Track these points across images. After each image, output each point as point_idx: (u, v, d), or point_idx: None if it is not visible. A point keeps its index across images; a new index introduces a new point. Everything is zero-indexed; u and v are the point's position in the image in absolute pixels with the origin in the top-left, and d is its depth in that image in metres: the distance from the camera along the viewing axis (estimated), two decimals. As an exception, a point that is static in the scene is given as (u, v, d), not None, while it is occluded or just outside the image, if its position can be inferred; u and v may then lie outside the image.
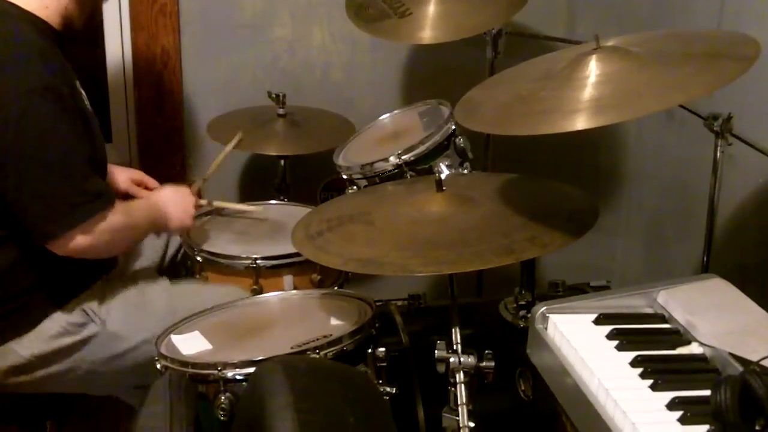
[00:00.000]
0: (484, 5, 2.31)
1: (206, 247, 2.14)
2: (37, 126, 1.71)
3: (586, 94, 1.49)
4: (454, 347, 1.61)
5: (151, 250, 2.25)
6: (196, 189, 2.24)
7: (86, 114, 1.87)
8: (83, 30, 1.93)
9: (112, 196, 1.85)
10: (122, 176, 2.25)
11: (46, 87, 1.72)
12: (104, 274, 2.01)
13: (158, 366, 1.70)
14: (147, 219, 1.99)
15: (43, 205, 1.75)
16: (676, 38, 1.72)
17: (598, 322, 1.47)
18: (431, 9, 2.27)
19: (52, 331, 1.88)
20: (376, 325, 1.77)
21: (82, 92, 1.90)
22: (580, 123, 1.42)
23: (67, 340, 1.89)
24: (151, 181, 2.29)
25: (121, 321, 1.93)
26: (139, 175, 2.30)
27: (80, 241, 1.78)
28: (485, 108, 1.70)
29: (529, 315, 1.58)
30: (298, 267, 2.08)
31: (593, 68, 1.53)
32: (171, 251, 2.32)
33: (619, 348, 1.40)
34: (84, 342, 1.91)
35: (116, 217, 1.84)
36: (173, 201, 2.08)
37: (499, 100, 1.68)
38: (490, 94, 1.75)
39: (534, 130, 1.49)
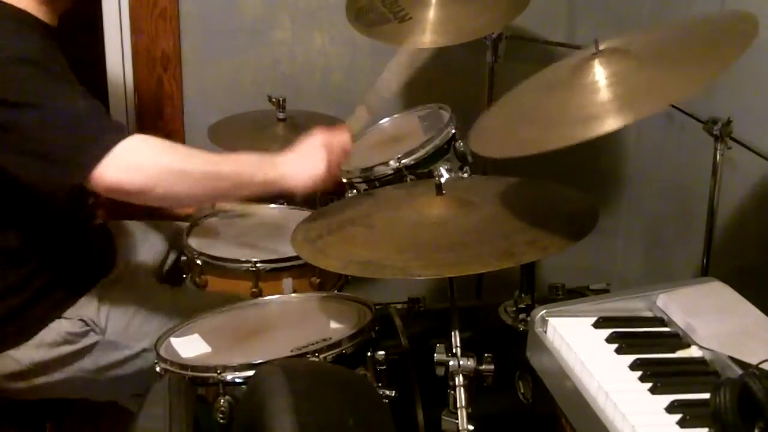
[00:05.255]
0: (483, 9, 2.31)
1: (206, 250, 2.13)
2: (23, 89, 1.63)
3: (606, 96, 1.48)
4: (454, 350, 1.61)
5: (150, 254, 2.25)
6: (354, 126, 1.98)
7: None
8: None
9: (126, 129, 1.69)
10: None
11: (21, 57, 1.65)
12: (102, 277, 2.00)
13: (157, 369, 1.70)
14: (236, 175, 1.75)
15: (61, 148, 1.62)
16: (671, 29, 1.72)
17: (597, 325, 1.48)
18: (431, 13, 2.27)
19: (51, 339, 1.87)
20: (376, 328, 1.77)
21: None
22: (605, 126, 1.41)
23: (67, 349, 1.89)
24: None
25: (121, 329, 1.93)
26: None
27: (113, 174, 1.61)
28: (502, 133, 1.68)
29: (528, 318, 1.58)
30: (297, 270, 2.07)
31: (601, 71, 1.52)
32: (173, 257, 2.31)
33: (618, 351, 1.40)
34: (84, 351, 1.90)
35: (155, 145, 1.69)
36: (296, 154, 1.83)
37: (514, 122, 1.67)
38: (501, 118, 1.74)
39: (565, 141, 1.44)
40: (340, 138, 1.89)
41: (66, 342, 1.88)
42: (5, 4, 1.76)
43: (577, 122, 1.47)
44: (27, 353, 1.87)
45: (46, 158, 1.63)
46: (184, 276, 2.20)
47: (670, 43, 1.62)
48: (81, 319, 1.90)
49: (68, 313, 1.90)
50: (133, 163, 1.64)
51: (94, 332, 1.91)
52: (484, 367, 1.61)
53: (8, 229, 1.78)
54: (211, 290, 2.11)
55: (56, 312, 1.89)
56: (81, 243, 1.95)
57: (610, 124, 1.41)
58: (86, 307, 1.92)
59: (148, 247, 2.26)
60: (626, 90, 1.48)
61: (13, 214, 1.80)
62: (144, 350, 1.91)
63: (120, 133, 1.64)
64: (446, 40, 2.26)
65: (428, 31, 2.26)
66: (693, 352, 1.41)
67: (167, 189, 1.67)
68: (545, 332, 1.49)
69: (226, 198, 1.91)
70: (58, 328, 1.88)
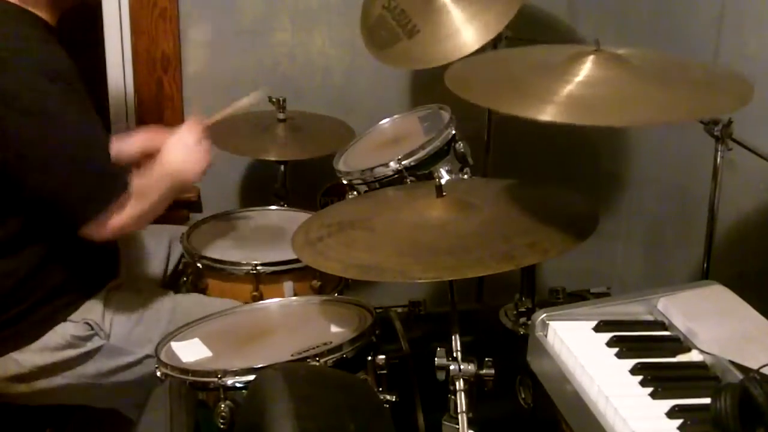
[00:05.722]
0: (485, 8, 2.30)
1: (206, 253, 2.13)
2: (52, 109, 1.71)
3: (566, 90, 1.50)
4: (454, 354, 1.61)
5: (153, 259, 2.25)
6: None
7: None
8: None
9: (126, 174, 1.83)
10: (133, 147, 2.14)
11: (51, 72, 1.72)
12: (108, 281, 2.00)
13: (158, 373, 1.70)
14: (164, 185, 1.93)
15: (75, 189, 1.75)
16: (676, 63, 1.73)
17: (598, 329, 1.47)
18: (439, 23, 2.26)
19: (55, 343, 1.87)
20: (377, 332, 1.77)
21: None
22: (546, 115, 1.44)
23: (71, 353, 1.89)
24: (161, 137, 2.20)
25: (125, 335, 1.93)
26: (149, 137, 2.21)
27: (116, 219, 1.78)
28: (474, 77, 1.71)
29: (529, 322, 1.58)
30: (298, 273, 2.07)
31: (585, 68, 1.54)
32: (174, 260, 2.31)
33: (619, 355, 1.40)
34: (87, 355, 1.90)
35: (139, 189, 1.82)
36: (178, 153, 2.00)
37: (490, 74, 1.70)
38: (484, 66, 1.77)
39: (508, 109, 1.49)
40: (198, 129, 2.05)
41: (70, 345, 1.88)
42: (3, 1, 1.77)
43: (530, 100, 1.50)
44: (30, 356, 1.87)
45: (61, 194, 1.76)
46: (185, 279, 2.20)
47: (666, 72, 1.64)
48: (86, 323, 1.90)
49: (74, 316, 1.90)
50: (134, 211, 1.81)
51: (99, 336, 1.91)
52: (484, 371, 1.60)
53: (17, 232, 1.78)
54: (214, 295, 2.10)
55: (62, 315, 1.89)
56: (87, 247, 1.94)
57: (546, 114, 1.44)
58: (92, 311, 1.92)
59: (151, 249, 2.26)
60: (588, 95, 1.50)
61: (22, 218, 1.80)
62: (147, 356, 1.91)
63: (124, 178, 1.80)
64: (457, 54, 2.24)
65: (439, 47, 2.25)
66: (694, 356, 1.40)
67: (148, 220, 1.91)
68: (546, 336, 1.49)
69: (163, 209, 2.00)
70: (63, 331, 1.88)
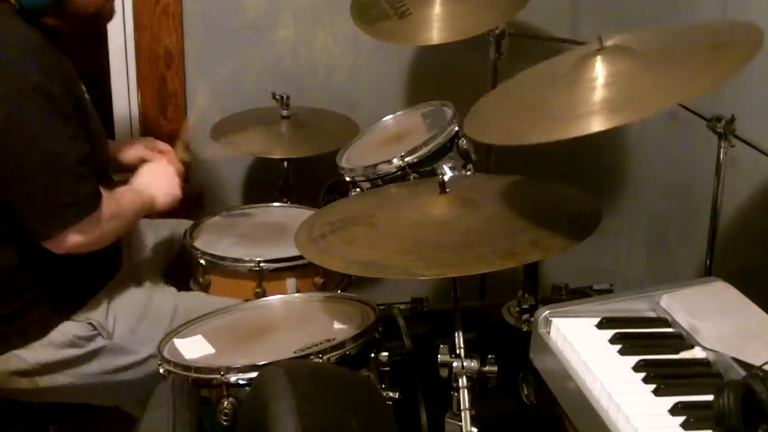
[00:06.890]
0: (484, 6, 2.30)
1: (209, 250, 2.14)
2: (25, 127, 1.71)
3: (597, 96, 1.49)
4: (457, 351, 1.61)
5: (155, 254, 2.25)
6: (178, 154, 2.22)
7: (85, 112, 1.87)
8: (89, 27, 1.94)
9: (100, 194, 1.83)
10: (131, 153, 2.20)
11: (34, 87, 1.71)
12: (110, 278, 2.01)
13: (161, 370, 1.70)
14: (134, 207, 1.96)
15: (35, 206, 1.74)
16: (677, 33, 1.72)
17: (601, 326, 1.47)
18: (431, 9, 2.26)
19: (58, 341, 1.88)
20: (379, 329, 1.77)
21: (84, 89, 1.90)
22: (596, 125, 1.41)
23: (74, 352, 1.89)
24: (162, 145, 2.24)
25: (128, 334, 1.93)
26: (148, 143, 2.25)
27: (74, 239, 1.77)
28: (495, 119, 1.69)
29: (532, 319, 1.58)
30: (301, 270, 2.08)
31: (600, 69, 1.53)
32: (174, 254, 2.31)
33: (621, 352, 1.40)
34: (91, 355, 1.91)
35: (107, 211, 1.83)
36: (155, 179, 2.06)
37: (508, 110, 1.68)
38: (498, 105, 1.74)
39: (548, 136, 1.46)
40: (177, 164, 2.16)
41: (73, 345, 1.89)
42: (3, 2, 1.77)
43: (567, 119, 1.48)
44: (33, 353, 1.87)
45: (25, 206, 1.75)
46: (190, 277, 2.19)
47: (673, 46, 1.61)
48: (89, 323, 1.90)
49: (77, 315, 1.90)
50: (96, 233, 1.82)
51: (102, 336, 1.91)
52: (487, 368, 1.60)
53: (15, 226, 1.79)
54: (217, 292, 2.11)
55: (64, 313, 1.89)
56: None
57: (595, 124, 1.42)
58: (95, 310, 1.92)
59: (152, 243, 2.26)
60: (621, 91, 1.48)
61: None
62: (150, 356, 1.91)
63: (92, 202, 1.79)
64: (445, 37, 2.25)
65: (430, 28, 2.25)
66: (697, 353, 1.40)
67: (110, 241, 1.89)
68: (548, 333, 1.49)
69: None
70: (65, 330, 1.88)
